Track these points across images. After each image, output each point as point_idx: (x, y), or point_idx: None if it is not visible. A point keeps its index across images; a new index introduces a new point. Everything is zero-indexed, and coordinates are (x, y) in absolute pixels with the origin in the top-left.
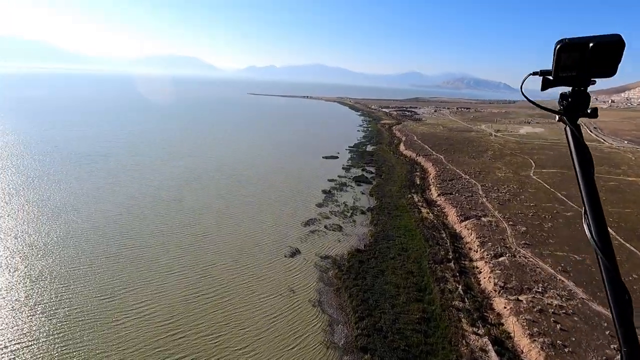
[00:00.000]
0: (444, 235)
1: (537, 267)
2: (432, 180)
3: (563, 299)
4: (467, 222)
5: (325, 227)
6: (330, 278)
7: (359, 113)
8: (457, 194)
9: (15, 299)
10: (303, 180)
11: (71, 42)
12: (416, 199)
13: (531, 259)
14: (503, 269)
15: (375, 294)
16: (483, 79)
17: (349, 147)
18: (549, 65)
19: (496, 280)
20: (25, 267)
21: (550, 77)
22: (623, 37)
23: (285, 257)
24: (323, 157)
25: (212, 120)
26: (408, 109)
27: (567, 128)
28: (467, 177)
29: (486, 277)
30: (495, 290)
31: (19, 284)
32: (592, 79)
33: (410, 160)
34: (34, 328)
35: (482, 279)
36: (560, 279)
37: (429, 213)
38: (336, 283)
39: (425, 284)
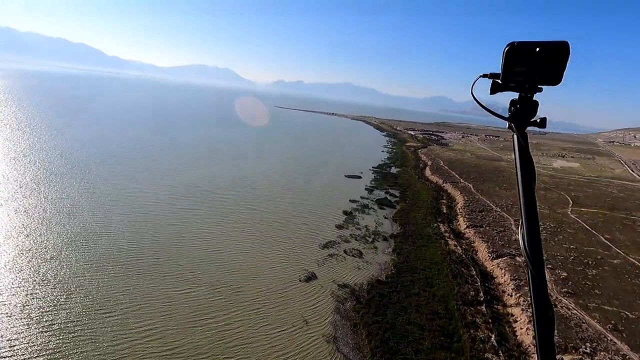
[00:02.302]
0: (474, 272)
1: (583, 322)
2: (460, 210)
3: None
4: (499, 260)
5: (345, 251)
6: (347, 310)
7: (383, 133)
8: (487, 227)
9: (13, 304)
10: (324, 198)
11: (110, 46)
12: (442, 229)
13: (575, 311)
14: None
15: (397, 335)
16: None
17: (373, 167)
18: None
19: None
20: (30, 269)
21: (499, 81)
22: (569, 44)
23: (301, 281)
24: (346, 176)
25: (234, 131)
26: (434, 133)
27: (514, 136)
28: (498, 210)
29: (523, 327)
30: (535, 346)
31: (20, 287)
32: (539, 86)
33: (437, 186)
34: (24, 339)
35: (519, 329)
36: (611, 340)
37: (456, 246)
38: (354, 317)
39: (453, 329)
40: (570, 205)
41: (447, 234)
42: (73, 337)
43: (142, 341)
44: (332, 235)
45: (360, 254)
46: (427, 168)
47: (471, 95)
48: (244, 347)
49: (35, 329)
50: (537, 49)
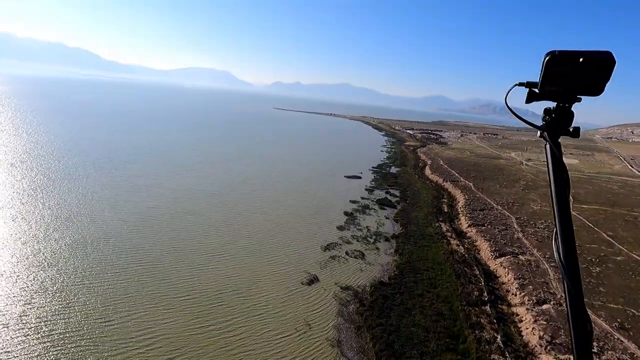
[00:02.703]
0: (477, 272)
1: None
2: (462, 209)
3: None
4: (502, 259)
5: (347, 253)
6: (350, 313)
7: (382, 133)
8: (489, 226)
9: (10, 314)
10: (324, 199)
11: (108, 51)
12: (444, 229)
13: None
14: (549, 320)
15: (401, 338)
16: (510, 105)
17: (372, 167)
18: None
19: (541, 333)
20: (27, 277)
21: (536, 90)
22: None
23: (303, 284)
24: (345, 177)
25: (233, 134)
26: (433, 132)
27: (547, 145)
28: (500, 208)
29: (529, 327)
30: (541, 346)
31: (18, 295)
32: (578, 97)
33: (437, 185)
34: (22, 351)
35: (524, 329)
36: (618, 338)
37: (459, 245)
38: (357, 320)
39: (458, 330)
40: (571, 203)
41: (449, 234)
42: (72, 347)
43: (143, 350)
44: (334, 237)
45: (362, 256)
46: (427, 167)
47: (505, 104)
48: (247, 354)
49: (34, 339)
50: (581, 59)
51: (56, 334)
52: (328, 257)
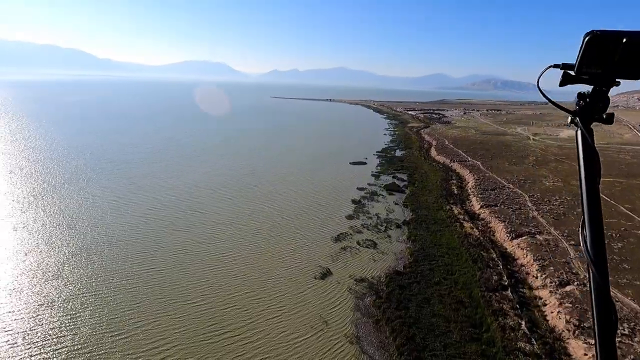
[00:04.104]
0: (494, 255)
1: (616, 301)
2: (472, 190)
3: None
4: (519, 240)
5: (358, 243)
6: (367, 307)
7: (384, 116)
8: (502, 206)
9: (16, 331)
10: (330, 188)
11: (101, 49)
12: (456, 211)
13: None
14: (574, 302)
15: (422, 330)
16: (510, 80)
17: (377, 152)
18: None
19: (568, 317)
20: (32, 290)
21: (572, 72)
22: None
23: (316, 278)
24: (350, 163)
25: (232, 126)
26: (435, 112)
27: (579, 131)
28: (511, 187)
29: (554, 311)
30: (569, 330)
31: (23, 310)
32: (617, 80)
33: (444, 166)
34: None
35: (549, 313)
36: None
37: (472, 228)
38: (375, 313)
39: (481, 318)
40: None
41: (461, 216)
42: None
43: None
44: (343, 227)
45: (374, 245)
46: (433, 148)
47: (537, 86)
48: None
49: (40, 357)
50: (624, 40)
51: (65, 350)
52: (339, 248)
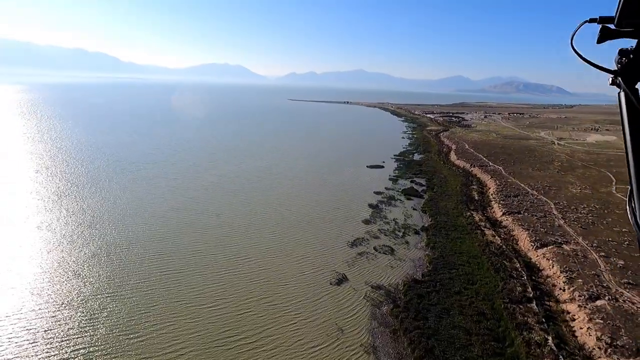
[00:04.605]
0: (518, 265)
1: None
2: (493, 196)
3: None
4: (544, 249)
5: (375, 248)
6: (384, 315)
7: (401, 119)
8: (526, 214)
9: (37, 328)
10: (347, 192)
11: (125, 53)
12: (477, 218)
13: None
14: (605, 318)
15: (442, 342)
16: (533, 82)
17: (394, 155)
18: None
19: (599, 334)
20: (53, 289)
21: (612, 26)
22: None
23: (332, 284)
24: (367, 166)
25: (250, 128)
26: (455, 115)
27: (622, 93)
28: (535, 193)
29: (583, 327)
30: (600, 348)
31: (44, 309)
32: None
33: (464, 171)
34: None
35: (578, 329)
36: None
37: (494, 236)
38: (392, 323)
39: (504, 332)
40: (614, 183)
41: (482, 223)
42: None
43: None
44: (360, 232)
45: (391, 251)
46: (452, 152)
47: (570, 46)
48: None
49: (58, 357)
50: None
51: (82, 350)
52: (356, 253)
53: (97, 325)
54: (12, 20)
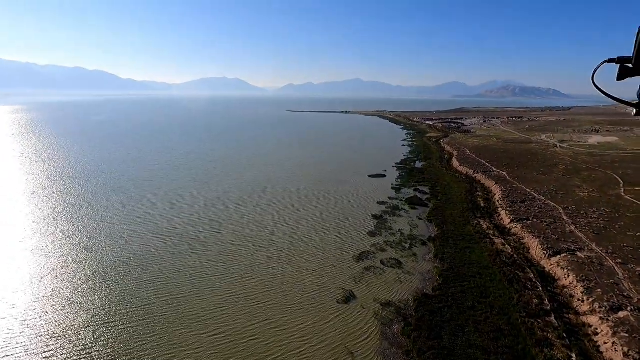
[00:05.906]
0: (532, 275)
1: None
2: (500, 203)
3: None
4: (557, 257)
5: (382, 262)
6: (395, 335)
7: (401, 126)
8: (535, 220)
9: None
10: (350, 203)
11: (124, 70)
12: (485, 226)
13: None
14: (630, 331)
15: None
16: (530, 85)
17: (396, 163)
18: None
19: (626, 349)
20: (44, 320)
21: (630, 65)
22: None
23: (338, 302)
24: (369, 176)
25: (248, 139)
26: (454, 120)
27: None
28: (542, 198)
29: (608, 341)
30: None
31: (36, 344)
32: None
33: (468, 177)
34: None
35: (603, 344)
36: None
37: (504, 244)
38: (405, 343)
39: (524, 349)
40: (621, 185)
41: (490, 232)
42: None
43: None
44: (365, 245)
45: (399, 264)
46: (454, 158)
47: (592, 83)
48: None
49: None
50: None
51: None
52: (362, 268)
53: (93, 356)
54: (11, 44)
